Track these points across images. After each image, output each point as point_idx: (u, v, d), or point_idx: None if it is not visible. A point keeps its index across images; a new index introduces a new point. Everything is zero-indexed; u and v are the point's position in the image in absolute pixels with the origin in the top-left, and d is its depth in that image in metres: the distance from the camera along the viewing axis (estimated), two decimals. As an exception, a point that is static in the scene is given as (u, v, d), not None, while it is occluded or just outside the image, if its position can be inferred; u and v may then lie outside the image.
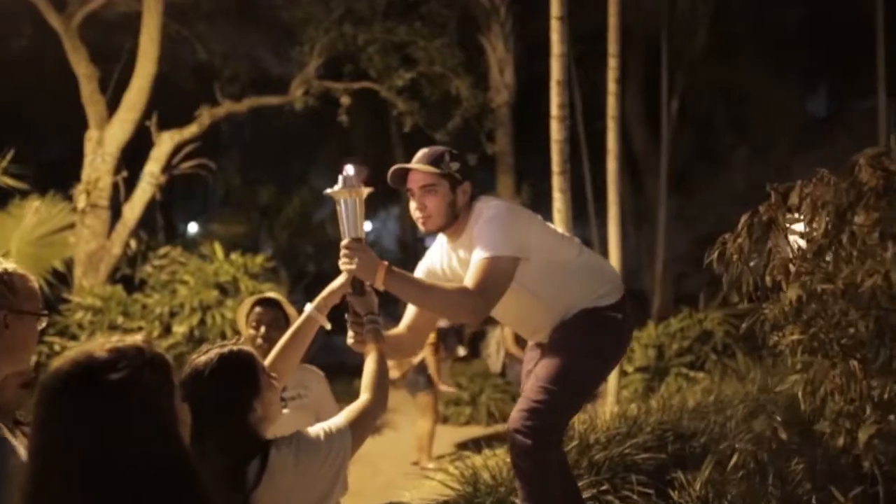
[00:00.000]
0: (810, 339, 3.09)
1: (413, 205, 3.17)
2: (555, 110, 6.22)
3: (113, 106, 10.52)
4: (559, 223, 5.88)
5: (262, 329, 3.74)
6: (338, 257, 2.75)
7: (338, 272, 2.78)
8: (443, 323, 8.51)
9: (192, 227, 20.69)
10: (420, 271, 3.34)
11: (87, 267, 10.09)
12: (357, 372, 2.59)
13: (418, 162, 3.13)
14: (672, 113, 14.32)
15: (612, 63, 7.69)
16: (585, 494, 3.77)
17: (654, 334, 10.25)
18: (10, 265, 2.11)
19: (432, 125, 12.79)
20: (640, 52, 14.65)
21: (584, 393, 3.35)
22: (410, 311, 3.25)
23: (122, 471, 1.50)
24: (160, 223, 16.11)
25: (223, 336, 8.22)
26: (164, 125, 10.98)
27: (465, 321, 3.86)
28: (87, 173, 10.27)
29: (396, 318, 3.45)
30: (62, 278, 9.74)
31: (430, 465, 8.03)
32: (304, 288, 15.85)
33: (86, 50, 10.42)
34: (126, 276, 10.27)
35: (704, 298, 10.53)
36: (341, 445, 2.23)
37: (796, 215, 3.16)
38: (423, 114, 12.77)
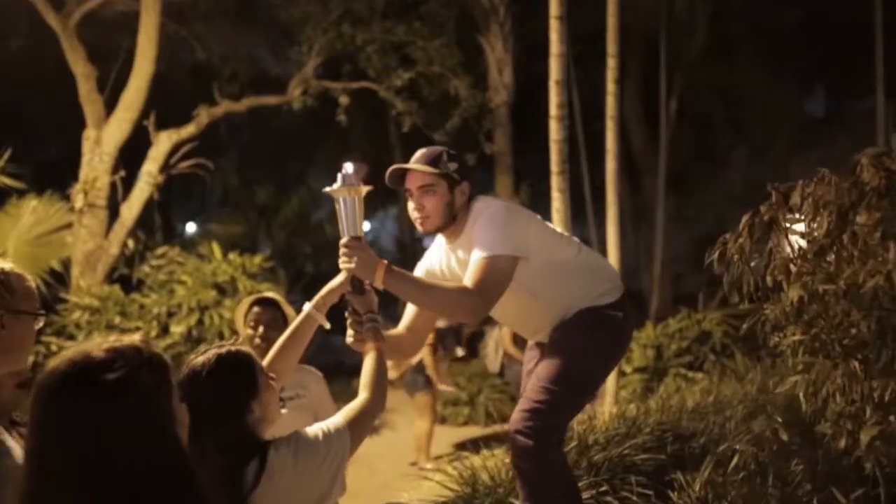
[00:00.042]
0: (811, 339, 3.08)
1: (411, 205, 3.16)
2: (554, 110, 6.21)
3: (111, 105, 10.51)
4: (558, 223, 5.87)
5: (261, 329, 3.73)
6: (336, 257, 2.74)
7: (336, 272, 2.77)
8: (441, 323, 8.51)
9: (190, 227, 20.68)
10: (419, 272, 3.33)
11: (85, 267, 10.07)
12: (355, 372, 2.58)
13: (416, 162, 3.12)
14: (670, 113, 14.33)
15: (611, 63, 7.69)
16: (584, 495, 3.76)
17: (653, 335, 10.24)
18: (7, 265, 2.10)
19: (431, 125, 12.79)
20: (639, 52, 14.66)
21: (586, 393, 3.34)
22: (410, 311, 3.24)
23: (119, 471, 1.50)
24: (158, 223, 16.10)
25: (221, 336, 8.21)
26: (162, 125, 10.97)
27: (465, 321, 3.85)
28: (84, 173, 10.26)
29: (395, 319, 3.44)
30: (59, 278, 9.73)
31: (429, 466, 8.02)
32: (303, 288, 15.84)
33: (83, 49, 10.41)
34: (124, 276, 10.26)
35: (703, 299, 10.53)
36: (340, 445, 2.22)
37: (797, 215, 3.16)
38: (421, 114, 12.77)
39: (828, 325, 3.05)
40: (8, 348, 2.05)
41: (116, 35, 11.98)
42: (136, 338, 1.63)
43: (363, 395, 2.39)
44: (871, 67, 12.55)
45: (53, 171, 12.10)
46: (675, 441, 4.78)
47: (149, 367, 1.58)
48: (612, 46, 7.69)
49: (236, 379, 2.21)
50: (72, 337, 8.64)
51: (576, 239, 3.44)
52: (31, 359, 2.23)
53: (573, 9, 6.42)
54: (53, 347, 8.23)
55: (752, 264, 3.13)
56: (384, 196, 18.06)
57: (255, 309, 3.80)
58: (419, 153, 3.16)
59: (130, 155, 10.93)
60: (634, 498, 4.02)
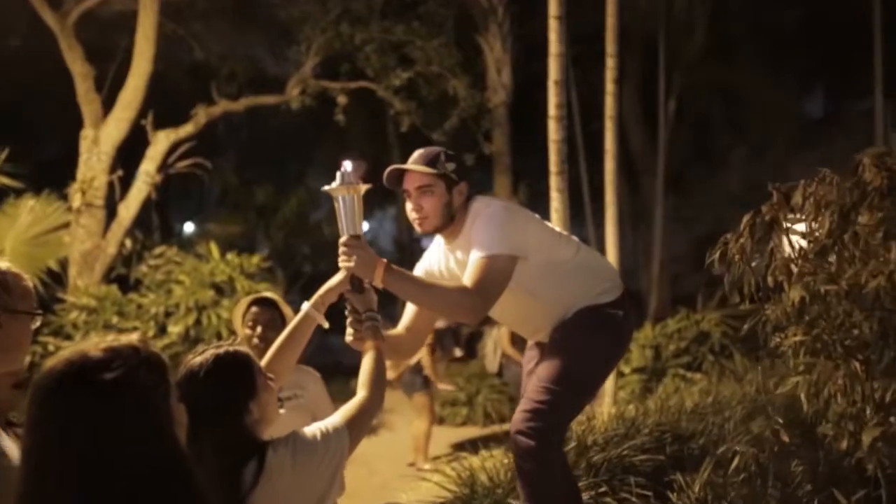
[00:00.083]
0: (813, 340, 3.06)
1: (409, 206, 3.15)
2: (552, 110, 6.21)
3: (108, 105, 10.49)
4: (557, 223, 5.86)
5: (259, 329, 3.72)
6: (335, 257, 2.73)
7: (334, 272, 2.76)
8: (440, 323, 8.50)
9: (188, 227, 20.66)
10: (418, 273, 3.32)
11: (82, 266, 10.05)
12: (353, 372, 2.57)
13: (414, 163, 3.11)
14: (669, 113, 14.34)
15: (610, 63, 7.69)
16: (583, 496, 3.75)
17: (651, 335, 10.24)
18: (4, 264, 2.09)
19: (429, 125, 12.79)
20: (638, 52, 14.66)
21: (586, 393, 3.33)
22: (409, 312, 3.23)
23: (117, 471, 1.49)
24: (156, 223, 16.08)
25: (219, 336, 8.20)
26: (160, 124, 10.95)
27: (464, 320, 3.84)
28: (82, 172, 10.24)
29: (393, 318, 3.43)
30: (57, 278, 9.71)
31: (427, 466, 8.02)
32: (301, 288, 15.84)
33: (81, 48, 10.39)
34: (121, 276, 10.25)
35: (703, 299, 10.53)
36: (338, 445, 2.21)
37: (797, 215, 3.15)
38: (420, 113, 12.77)
39: (829, 325, 3.04)
40: (5, 348, 2.04)
41: (114, 34, 11.97)
42: (133, 337, 1.62)
43: (361, 393, 2.38)
44: (869, 68, 12.56)
45: (51, 171, 12.04)
46: (674, 442, 4.77)
47: (146, 367, 1.57)
48: (610, 46, 7.69)
49: (234, 379, 2.19)
50: (69, 337, 8.63)
51: (575, 238, 3.43)
52: (27, 359, 2.21)
53: (572, 9, 6.41)
54: (51, 347, 8.21)
55: (753, 264, 3.12)
56: (382, 196, 18.06)
57: (254, 309, 3.79)
58: (417, 154, 3.16)
59: (128, 154, 10.92)
60: (633, 499, 4.01)
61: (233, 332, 4.12)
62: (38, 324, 2.13)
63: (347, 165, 2.70)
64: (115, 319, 8.94)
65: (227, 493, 2.05)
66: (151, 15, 10.39)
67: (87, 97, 10.35)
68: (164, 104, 11.10)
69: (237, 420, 2.16)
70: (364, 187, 2.71)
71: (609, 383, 7.21)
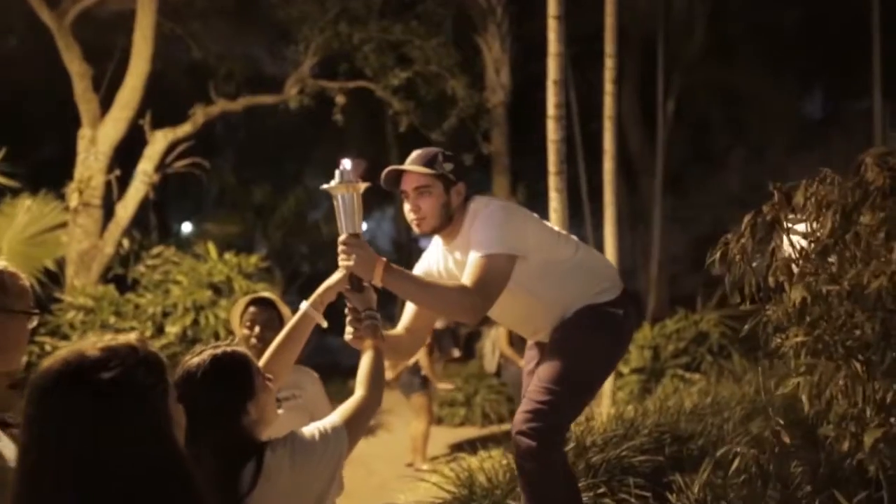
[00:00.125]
0: (814, 341, 3.05)
1: (407, 207, 3.15)
2: (551, 110, 6.21)
3: (106, 104, 10.46)
4: (555, 223, 5.86)
5: (257, 329, 3.70)
6: (333, 257, 2.72)
7: (332, 272, 2.75)
8: (439, 324, 8.48)
9: (186, 227, 20.62)
10: (417, 273, 3.31)
11: (79, 266, 10.02)
12: (351, 373, 2.56)
13: (412, 163, 3.11)
14: (668, 114, 14.34)
15: (609, 63, 7.68)
16: (582, 497, 3.74)
17: (650, 335, 10.23)
18: (1, 263, 2.09)
19: (428, 125, 12.77)
20: (637, 52, 14.67)
21: (587, 393, 3.32)
22: (409, 312, 3.22)
23: (113, 471, 1.48)
24: (153, 222, 16.05)
25: (217, 336, 8.18)
26: (158, 124, 10.93)
27: (463, 320, 3.84)
28: (79, 172, 10.21)
29: (391, 318, 3.42)
30: (54, 278, 9.68)
31: (425, 467, 8.00)
32: (299, 288, 15.83)
33: (79, 48, 10.36)
34: (118, 276, 10.21)
35: (702, 299, 10.53)
36: (337, 445, 2.20)
37: (798, 215, 3.14)
38: (418, 113, 12.75)
39: (831, 326, 3.03)
40: (1, 348, 2.04)
41: (112, 34, 11.95)
42: (131, 337, 1.61)
43: (359, 392, 2.37)
44: (868, 68, 12.56)
45: (48, 170, 12.03)
46: (673, 443, 4.77)
47: (144, 367, 1.57)
48: (609, 46, 7.69)
49: (232, 380, 2.18)
50: (66, 337, 8.59)
51: (574, 237, 3.41)
52: (24, 359, 2.20)
53: (571, 9, 6.41)
54: (47, 347, 8.17)
55: (754, 265, 3.11)
56: (381, 197, 18.05)
57: (251, 309, 3.77)
58: (414, 154, 3.15)
59: (126, 154, 10.89)
60: (633, 500, 4.00)
61: (230, 333, 4.11)
62: (34, 323, 2.13)
63: (346, 163, 2.69)
64: (112, 319, 8.91)
65: (226, 495, 2.04)
66: (149, 14, 10.37)
67: (84, 96, 10.32)
68: (161, 104, 11.07)
69: (235, 421, 2.14)
70: (363, 185, 2.70)
71: (608, 384, 7.20)
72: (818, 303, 3.02)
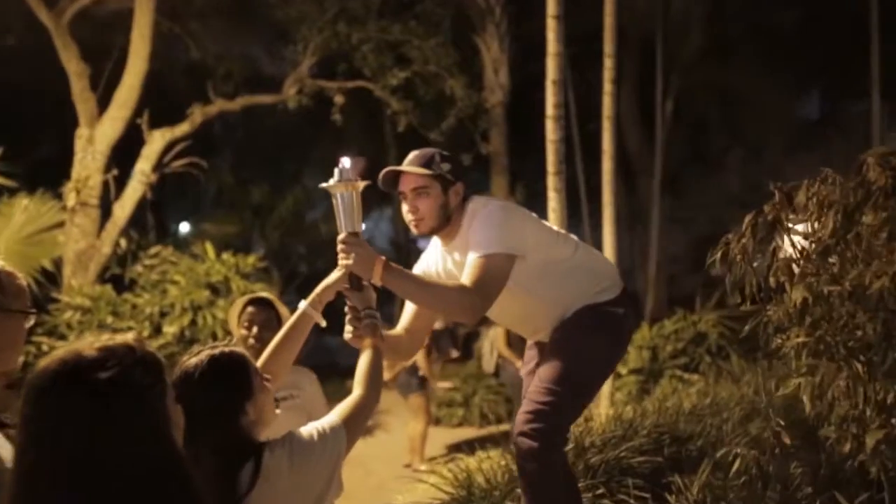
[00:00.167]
0: (816, 341, 3.04)
1: (405, 207, 3.14)
2: (550, 110, 6.21)
3: (104, 103, 10.44)
4: (554, 223, 5.85)
5: (255, 329, 3.69)
6: (331, 257, 2.71)
7: (330, 272, 2.74)
8: (437, 324, 8.47)
9: (184, 227, 20.60)
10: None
11: (77, 266, 10.00)
12: (349, 373, 2.55)
13: (409, 164, 3.11)
14: (666, 114, 14.33)
15: (608, 63, 7.68)
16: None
17: (648, 336, 10.22)
18: (-3, 263, 2.06)
19: (426, 125, 12.76)
20: (635, 53, 14.66)
21: (588, 393, 3.31)
22: (408, 313, 3.21)
23: (111, 471, 1.47)
24: (151, 222, 16.03)
25: (214, 337, 8.16)
26: (156, 123, 10.91)
27: (463, 320, 3.83)
28: (77, 171, 10.19)
29: (389, 318, 3.42)
30: (51, 277, 9.66)
31: (423, 467, 7.99)
32: (296, 288, 15.80)
33: (76, 47, 10.34)
34: (116, 276, 10.18)
35: (701, 300, 10.52)
36: (335, 444, 2.19)
37: (798, 216, 3.13)
38: (417, 113, 12.74)
39: (832, 327, 3.02)
40: (-2, 347, 2.01)
41: (110, 33, 11.93)
42: (129, 337, 1.60)
43: (357, 391, 2.36)
44: (866, 69, 12.56)
45: (46, 170, 12.00)
46: (672, 443, 4.76)
47: (142, 367, 1.56)
48: (608, 46, 7.69)
49: (230, 381, 2.17)
50: (63, 337, 8.57)
51: (573, 236, 3.40)
52: (21, 359, 2.19)
53: (570, 9, 6.42)
54: (44, 347, 8.16)
55: (755, 265, 3.10)
56: (379, 197, 18.03)
57: (249, 309, 3.76)
58: (412, 155, 3.15)
59: (123, 153, 10.86)
60: (632, 501, 3.99)
61: (228, 333, 4.10)
62: (31, 323, 2.12)
63: (346, 162, 2.68)
64: (109, 319, 8.89)
65: (224, 496, 2.03)
66: (147, 13, 10.35)
67: (82, 96, 10.30)
68: (159, 103, 11.05)
69: (233, 422, 2.13)
70: (362, 184, 2.69)
71: (606, 385, 7.18)
72: (819, 303, 3.01)
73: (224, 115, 13.71)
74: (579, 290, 3.21)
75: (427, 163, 3.08)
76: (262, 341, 3.45)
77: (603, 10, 7.67)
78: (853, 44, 13.24)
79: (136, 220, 12.22)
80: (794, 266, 3.08)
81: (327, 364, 9.04)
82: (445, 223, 3.12)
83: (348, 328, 2.73)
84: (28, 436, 1.51)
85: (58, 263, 9.91)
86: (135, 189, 10.64)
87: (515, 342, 8.62)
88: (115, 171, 10.49)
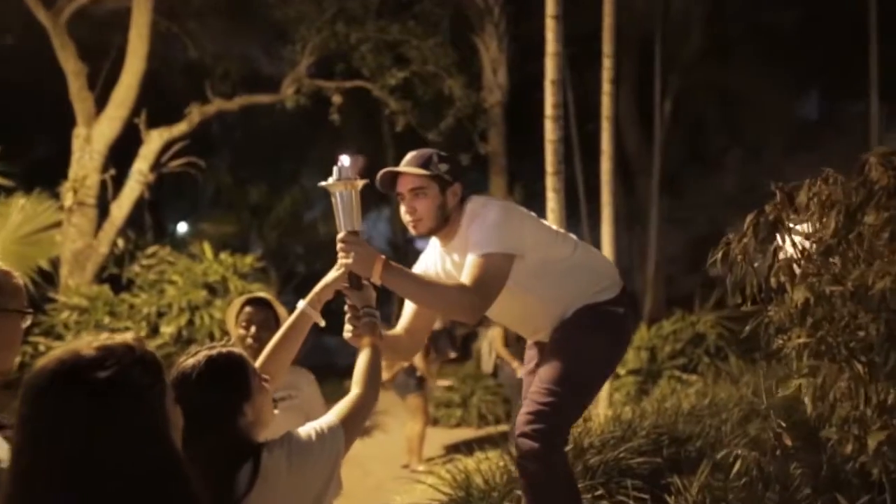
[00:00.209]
0: (817, 342, 3.03)
1: (403, 208, 3.13)
2: (549, 110, 6.20)
3: (101, 103, 10.43)
4: (553, 223, 5.84)
5: (253, 329, 3.68)
6: (329, 257, 2.70)
7: (328, 272, 2.73)
8: (437, 324, 8.46)
9: (182, 227, 20.57)
10: (415, 273, 3.29)
11: (74, 266, 9.98)
12: (347, 373, 2.54)
13: (406, 165, 3.10)
14: (665, 114, 14.34)
15: (607, 63, 7.68)
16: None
17: (647, 336, 10.22)
18: (-6, 262, 2.06)
19: (425, 125, 12.75)
20: (634, 53, 14.67)
21: (588, 393, 3.31)
22: (408, 313, 3.20)
23: (109, 471, 1.46)
24: (148, 222, 15.99)
25: (212, 337, 8.15)
26: (154, 123, 10.90)
27: (462, 319, 3.82)
28: (74, 171, 10.18)
29: (387, 318, 3.41)
30: (48, 277, 9.63)
31: (421, 468, 7.99)
32: (294, 288, 15.80)
33: (74, 46, 10.33)
34: (113, 276, 10.17)
35: (699, 300, 10.52)
36: (333, 444, 2.18)
37: (799, 216, 3.12)
38: (415, 113, 12.73)
39: (833, 327, 3.00)
40: (-5, 347, 2.01)
41: (108, 32, 11.91)
42: (127, 336, 1.59)
43: (355, 390, 2.35)
44: (865, 70, 12.57)
45: (43, 169, 11.96)
46: (671, 444, 4.75)
47: (141, 366, 1.55)
48: (607, 47, 7.68)
49: (227, 381, 2.16)
50: (60, 337, 8.56)
51: (572, 236, 3.39)
52: (18, 359, 2.18)
53: (568, 9, 6.41)
54: (41, 348, 8.14)
55: (756, 265, 3.09)
56: (377, 197, 18.01)
57: (247, 309, 3.75)
58: (409, 156, 3.14)
59: (121, 153, 10.85)
60: (631, 502, 3.98)
61: (226, 333, 4.08)
62: (28, 323, 2.12)
63: (345, 160, 2.66)
64: (106, 319, 8.87)
65: (223, 497, 2.02)
66: (145, 13, 10.34)
67: (79, 95, 10.29)
68: (157, 103, 11.04)
69: (231, 422, 2.12)
70: (361, 182, 2.68)
71: (605, 386, 7.18)
72: (821, 304, 3.00)
73: (222, 114, 13.70)
74: (579, 290, 3.20)
75: (425, 163, 3.07)
76: (259, 341, 3.44)
77: (602, 10, 7.67)
78: (852, 44, 13.25)
79: (134, 220, 12.19)
80: (795, 266, 3.07)
81: (325, 364, 9.02)
82: (444, 224, 3.11)
83: (347, 327, 2.72)
84: (25, 436, 1.50)
85: (55, 263, 9.89)
86: (132, 189, 10.63)
87: (514, 342, 8.61)
88: (112, 171, 10.48)
